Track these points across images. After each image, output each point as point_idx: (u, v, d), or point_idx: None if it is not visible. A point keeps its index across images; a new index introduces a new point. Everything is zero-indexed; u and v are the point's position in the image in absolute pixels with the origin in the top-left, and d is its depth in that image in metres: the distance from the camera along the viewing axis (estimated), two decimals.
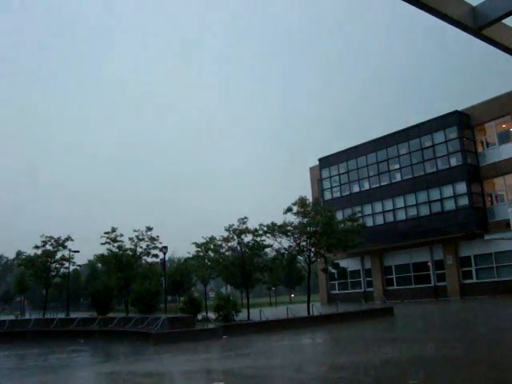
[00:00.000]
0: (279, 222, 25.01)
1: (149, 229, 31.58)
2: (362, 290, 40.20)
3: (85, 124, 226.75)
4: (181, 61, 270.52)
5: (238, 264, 25.23)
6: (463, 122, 33.80)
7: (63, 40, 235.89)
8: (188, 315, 21.01)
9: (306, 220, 24.42)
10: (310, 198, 27.23)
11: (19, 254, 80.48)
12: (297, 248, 24.42)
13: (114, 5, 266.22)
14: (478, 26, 3.54)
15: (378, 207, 38.25)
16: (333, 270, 28.70)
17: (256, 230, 25.14)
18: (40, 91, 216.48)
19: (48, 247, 34.40)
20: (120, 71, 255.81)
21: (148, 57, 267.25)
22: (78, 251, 36.92)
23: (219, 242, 27.02)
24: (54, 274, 35.93)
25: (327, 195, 42.41)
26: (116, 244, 31.06)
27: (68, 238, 35.05)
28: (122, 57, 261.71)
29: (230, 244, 26.33)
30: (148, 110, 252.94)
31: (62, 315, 37.06)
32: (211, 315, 22.58)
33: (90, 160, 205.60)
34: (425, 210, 35.07)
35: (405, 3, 3.20)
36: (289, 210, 24.66)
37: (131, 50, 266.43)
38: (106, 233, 30.92)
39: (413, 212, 35.86)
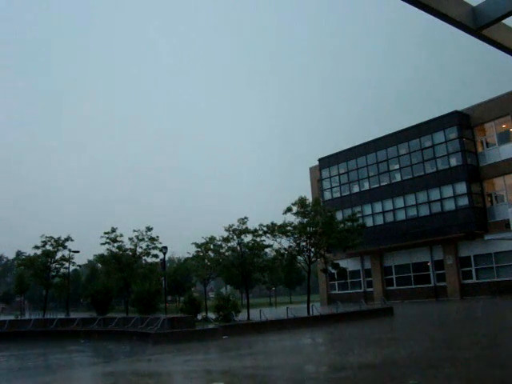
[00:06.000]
0: (279, 222, 25.02)
1: (149, 229, 31.56)
2: (362, 290, 40.20)
3: (87, 125, 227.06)
4: (183, 67, 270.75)
5: (238, 264, 25.23)
6: (463, 122, 33.81)
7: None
8: (188, 315, 21.01)
9: (305, 220, 24.40)
10: (309, 198, 27.19)
11: (19, 254, 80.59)
12: (297, 248, 24.40)
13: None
14: (477, 26, 3.54)
15: (378, 207, 38.27)
16: (333, 271, 28.69)
17: (256, 230, 25.14)
18: (44, 92, 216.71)
19: (48, 247, 34.43)
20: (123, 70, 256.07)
21: (154, 65, 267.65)
22: (77, 251, 36.94)
23: (219, 242, 27.02)
24: (53, 274, 35.97)
25: (327, 195, 42.42)
26: (116, 244, 31.03)
27: (68, 238, 35.07)
28: (125, 58, 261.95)
29: (229, 244, 26.34)
30: (146, 113, 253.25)
31: (61, 315, 37.06)
32: (211, 315, 22.56)
33: (91, 161, 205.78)
34: (425, 210, 35.08)
35: (405, 3, 3.19)
36: (288, 210, 24.64)
37: (145, 54, 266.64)
38: (105, 233, 30.90)
39: (413, 212, 35.88)
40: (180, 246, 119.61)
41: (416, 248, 36.34)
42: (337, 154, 42.22)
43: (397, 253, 37.94)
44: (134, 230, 31.42)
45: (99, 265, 46.16)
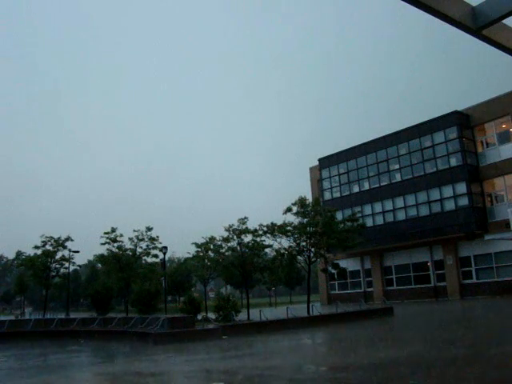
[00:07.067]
0: (279, 222, 25.02)
1: (149, 229, 31.53)
2: (362, 290, 40.19)
3: (88, 125, 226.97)
4: (180, 74, 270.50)
5: (238, 264, 25.22)
6: (463, 122, 33.80)
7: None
8: (188, 315, 20.99)
9: (305, 220, 24.40)
10: (309, 199, 27.19)
11: (19, 254, 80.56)
12: (297, 248, 24.40)
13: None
14: (478, 26, 3.54)
15: (378, 207, 38.26)
16: (333, 271, 28.68)
17: (256, 230, 25.13)
18: (45, 92, 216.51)
19: (48, 247, 34.40)
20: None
21: (153, 75, 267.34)
22: (77, 251, 36.91)
23: (219, 242, 27.01)
24: (53, 274, 35.94)
25: (327, 195, 42.41)
26: (116, 244, 31.00)
27: (68, 238, 35.04)
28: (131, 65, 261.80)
29: (229, 244, 26.33)
30: (147, 114, 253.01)
31: (61, 315, 37.04)
32: (211, 315, 22.55)
33: (91, 161, 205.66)
34: (425, 210, 35.07)
35: (405, 3, 3.19)
36: (288, 210, 24.64)
37: (146, 59, 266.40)
38: (105, 233, 30.87)
39: (413, 212, 35.86)
40: (180, 246, 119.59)
41: (416, 248, 36.33)
42: (337, 153, 42.20)
43: (397, 253, 37.93)
44: (134, 230, 31.43)
45: (99, 265, 46.17)
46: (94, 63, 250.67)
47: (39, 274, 34.78)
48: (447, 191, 33.73)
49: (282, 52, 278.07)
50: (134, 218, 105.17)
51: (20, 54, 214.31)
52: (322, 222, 23.90)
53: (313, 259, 24.70)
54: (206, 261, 29.54)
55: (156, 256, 33.11)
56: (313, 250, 24.28)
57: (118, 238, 31.05)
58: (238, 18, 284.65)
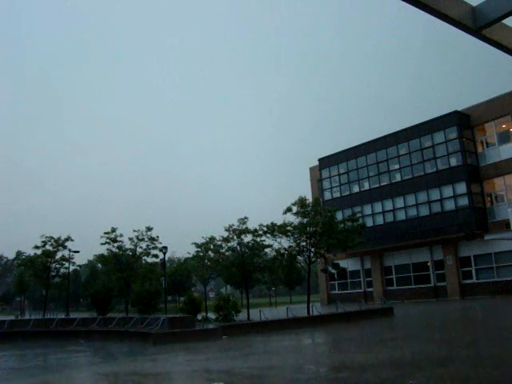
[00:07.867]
0: (279, 222, 24.99)
1: (149, 229, 31.48)
2: (362, 290, 40.19)
3: (88, 126, 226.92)
4: (180, 72, 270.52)
5: (238, 264, 25.20)
6: (463, 122, 33.79)
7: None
8: (188, 315, 21.00)
9: (305, 220, 24.38)
10: (309, 198, 27.16)
11: (19, 254, 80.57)
12: (297, 248, 24.38)
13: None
14: (478, 26, 3.54)
15: (378, 207, 38.25)
16: (333, 271, 28.67)
17: (256, 230, 25.11)
18: (46, 93, 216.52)
19: (48, 247, 34.32)
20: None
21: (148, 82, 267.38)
22: (77, 251, 36.87)
23: (219, 242, 26.99)
24: (53, 274, 35.88)
25: (327, 195, 42.40)
26: (116, 244, 30.94)
27: (68, 238, 34.98)
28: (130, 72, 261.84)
29: (229, 244, 26.31)
30: (147, 115, 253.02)
31: (61, 315, 37.04)
32: (211, 315, 22.55)
33: (91, 161, 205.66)
34: (425, 210, 35.07)
35: (405, 3, 3.19)
36: (288, 210, 24.61)
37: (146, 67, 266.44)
38: (105, 233, 30.80)
39: (413, 212, 35.86)
40: (180, 246, 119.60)
41: (416, 248, 36.33)
42: (337, 153, 42.19)
43: (397, 253, 37.92)
44: (134, 230, 31.35)
45: (99, 265, 46.12)
46: (93, 63, 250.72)
47: (39, 274, 34.72)
48: (447, 191, 33.73)
49: (283, 52, 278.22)
50: (134, 218, 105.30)
51: (20, 56, 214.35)
52: (321, 222, 23.87)
53: (313, 259, 24.67)
54: (206, 261, 29.52)
55: (156, 256, 33.06)
56: (313, 250, 24.24)
57: (118, 238, 30.98)
58: (238, 18, 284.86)
